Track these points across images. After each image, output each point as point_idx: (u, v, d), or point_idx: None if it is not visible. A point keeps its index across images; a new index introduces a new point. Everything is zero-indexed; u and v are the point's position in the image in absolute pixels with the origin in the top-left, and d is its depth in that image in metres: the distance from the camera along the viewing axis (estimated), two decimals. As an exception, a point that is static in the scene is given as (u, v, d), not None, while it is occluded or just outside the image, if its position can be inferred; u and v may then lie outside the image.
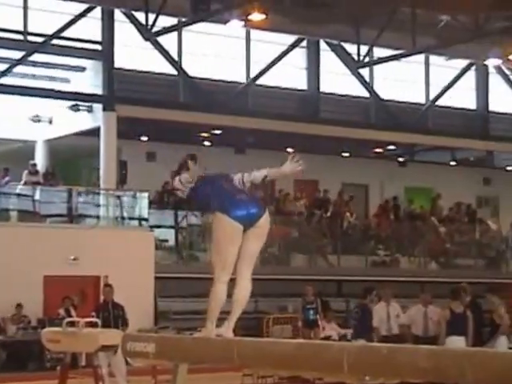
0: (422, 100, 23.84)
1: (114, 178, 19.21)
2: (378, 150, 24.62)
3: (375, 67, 22.57)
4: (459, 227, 24.09)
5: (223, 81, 21.08)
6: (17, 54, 18.51)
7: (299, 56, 22.19)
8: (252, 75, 21.35)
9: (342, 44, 22.03)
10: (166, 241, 19.64)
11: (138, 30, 19.41)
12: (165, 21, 19.33)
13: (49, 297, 16.19)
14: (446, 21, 20.21)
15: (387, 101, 23.04)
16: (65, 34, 18.81)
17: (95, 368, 11.39)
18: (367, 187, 25.19)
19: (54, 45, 18.79)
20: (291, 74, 22.11)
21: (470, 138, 23.74)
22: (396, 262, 22.16)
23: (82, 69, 19.48)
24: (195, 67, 20.71)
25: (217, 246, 5.24)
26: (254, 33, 21.13)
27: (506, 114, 25.19)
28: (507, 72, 24.94)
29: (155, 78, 20.42)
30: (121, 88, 19.48)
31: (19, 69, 18.79)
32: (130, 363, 11.65)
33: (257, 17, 18.61)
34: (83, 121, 19.34)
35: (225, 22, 19.52)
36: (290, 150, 23.45)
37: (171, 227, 19.83)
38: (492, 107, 24.93)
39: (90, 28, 19.13)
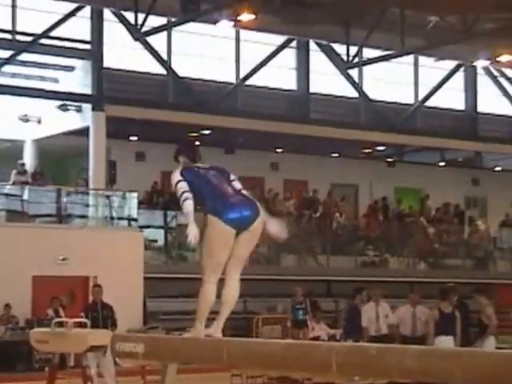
0: (411, 101, 23.91)
1: (103, 177, 19.17)
2: (367, 151, 24.66)
3: (364, 68, 22.61)
4: (448, 227, 24.17)
5: (213, 81, 21.07)
6: (5, 54, 18.45)
7: (289, 56, 22.21)
8: (242, 75, 21.35)
9: (331, 44, 22.07)
10: (156, 241, 19.62)
11: (128, 29, 19.37)
12: (154, 21, 19.30)
13: (37, 297, 16.14)
14: (435, 22, 20.27)
15: (376, 101, 23.10)
16: (54, 33, 18.76)
17: (84, 368, 11.38)
18: (356, 187, 25.24)
19: (42, 44, 18.74)
20: (281, 75, 22.13)
21: (458, 138, 23.83)
22: (385, 263, 22.21)
23: (71, 68, 19.43)
24: (185, 67, 20.70)
25: (208, 250, 5.21)
26: (244, 33, 21.14)
27: (494, 114, 25.29)
28: (495, 73, 25.05)
29: (145, 78, 20.39)
30: (110, 88, 19.45)
31: (8, 68, 18.72)
32: (119, 364, 11.63)
33: (246, 17, 18.61)
34: (72, 121, 19.29)
35: (214, 22, 19.52)
36: (279, 150, 23.54)
37: (160, 227, 19.81)
38: (480, 108, 25.03)
39: (79, 27, 19.08)
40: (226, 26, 19.80)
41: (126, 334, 6.40)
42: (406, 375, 4.12)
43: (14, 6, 18.52)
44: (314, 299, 17.14)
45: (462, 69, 24.39)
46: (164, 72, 20.53)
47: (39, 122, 20.06)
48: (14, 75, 18.90)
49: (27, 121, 20.01)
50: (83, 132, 18.94)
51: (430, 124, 23.85)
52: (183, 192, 5.26)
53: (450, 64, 23.99)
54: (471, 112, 24.89)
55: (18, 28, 18.56)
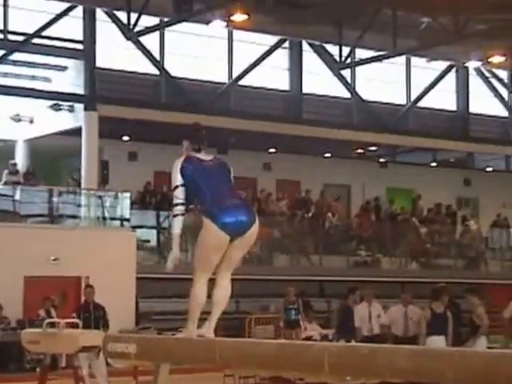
0: (403, 101, 23.95)
1: (96, 178, 19.14)
2: (359, 151, 24.71)
3: (357, 68, 22.64)
4: (440, 228, 24.22)
5: (205, 81, 21.07)
6: (-3, 53, 18.41)
7: (282, 57, 22.22)
8: (234, 76, 21.35)
9: (324, 45, 22.10)
10: (148, 241, 19.59)
11: (120, 29, 19.35)
12: (147, 20, 19.29)
13: (29, 298, 16.09)
14: (427, 23, 20.32)
15: (369, 102, 23.13)
16: (46, 32, 18.72)
17: (75, 369, 11.36)
18: (349, 188, 25.27)
19: (35, 44, 18.69)
20: (273, 75, 22.14)
21: (450, 139, 23.89)
22: (377, 263, 22.24)
23: (64, 68, 19.39)
24: (177, 67, 20.69)
25: (200, 251, 5.19)
26: (237, 33, 21.14)
27: (485, 115, 25.37)
28: (487, 74, 25.12)
29: (137, 78, 20.37)
30: (102, 88, 19.42)
31: (0, 68, 18.67)
32: (111, 364, 11.61)
33: (239, 17, 18.62)
34: (64, 120, 19.26)
35: (207, 23, 19.52)
36: (272, 150, 23.55)
37: (153, 228, 19.79)
38: (472, 109, 25.09)
39: (72, 27, 19.05)
40: (218, 26, 19.81)
41: (118, 335, 6.40)
42: (397, 375, 4.13)
43: (5, 6, 18.47)
44: (307, 299, 17.15)
45: (453, 70, 24.46)
46: (157, 72, 20.51)
47: (31, 121, 20.01)
48: (5, 75, 18.86)
49: (19, 120, 19.96)
50: (75, 132, 18.90)
51: (422, 124, 23.90)
52: (177, 204, 5.21)
53: (442, 65, 24.05)
54: (463, 113, 24.95)
55: (10, 27, 18.51)
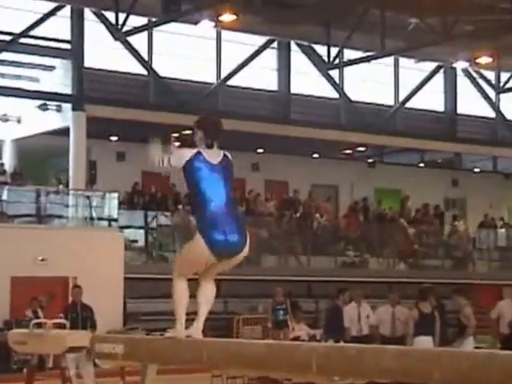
0: (392, 102, 24.01)
1: (84, 178, 19.09)
2: (347, 152, 24.75)
3: (345, 69, 22.68)
4: (427, 228, 24.28)
5: (194, 81, 21.05)
6: (-15, 53, 18.33)
7: (270, 57, 22.24)
8: (223, 76, 21.35)
9: (312, 45, 22.13)
10: (136, 241, 19.56)
11: (108, 29, 19.31)
12: (135, 21, 19.25)
13: (16, 298, 16.02)
14: (415, 24, 20.38)
15: (357, 102, 23.17)
16: (34, 32, 18.65)
17: (63, 370, 11.32)
18: (337, 188, 25.30)
19: (22, 43, 18.62)
20: (262, 75, 22.14)
21: (438, 139, 23.97)
22: (365, 263, 22.28)
23: (51, 68, 19.33)
24: (165, 67, 20.66)
25: (182, 260, 5.11)
26: (225, 33, 21.13)
27: (473, 116, 25.46)
28: (475, 75, 25.21)
29: (125, 78, 20.33)
30: (90, 88, 19.37)
31: (-13, 67, 18.62)
32: (98, 364, 11.58)
33: (227, 17, 18.62)
34: (52, 120, 19.19)
35: (195, 23, 19.51)
36: (260, 150, 23.55)
37: (141, 228, 19.76)
38: (460, 110, 25.18)
39: (60, 27, 18.99)
40: (207, 27, 19.80)
41: (106, 335, 6.38)
42: (385, 375, 4.13)
43: (-7, 5, 18.41)
44: (295, 299, 17.16)
45: (441, 70, 24.54)
46: (145, 72, 20.48)
47: (19, 121, 19.94)
48: (-7, 74, 18.79)
49: (6, 120, 19.89)
50: (63, 132, 18.84)
51: (410, 125, 23.97)
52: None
53: (430, 66, 24.12)
54: (451, 113, 25.03)
55: (-2, 27, 18.45)
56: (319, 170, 24.22)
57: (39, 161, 21.01)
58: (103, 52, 19.95)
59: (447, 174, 26.98)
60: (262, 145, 23.02)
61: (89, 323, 11.60)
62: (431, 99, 24.65)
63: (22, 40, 18.60)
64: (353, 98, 23.10)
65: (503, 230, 25.71)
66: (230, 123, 20.62)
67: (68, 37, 19.09)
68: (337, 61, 21.70)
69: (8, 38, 18.49)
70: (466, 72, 24.94)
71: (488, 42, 20.54)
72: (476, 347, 11.18)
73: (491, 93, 25.45)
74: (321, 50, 22.00)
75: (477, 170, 27.29)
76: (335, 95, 23.00)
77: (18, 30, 18.46)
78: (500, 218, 26.21)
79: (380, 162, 26.27)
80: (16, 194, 18.11)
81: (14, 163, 20.20)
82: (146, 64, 20.39)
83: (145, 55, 20.39)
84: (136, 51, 20.14)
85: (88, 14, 19.33)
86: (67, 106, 18.97)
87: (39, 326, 7.60)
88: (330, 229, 22.77)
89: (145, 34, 20.07)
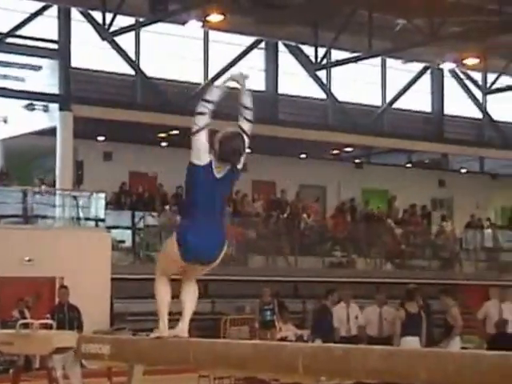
0: (379, 103, 24.06)
1: (71, 178, 19.04)
2: (335, 152, 24.78)
3: (333, 69, 22.72)
4: (414, 228, 24.35)
5: (181, 81, 21.03)
6: (-29, 52, 18.25)
7: (257, 57, 22.24)
8: (210, 76, 21.33)
9: (299, 46, 22.15)
10: (123, 242, 19.51)
11: (96, 29, 19.26)
12: (122, 20, 19.21)
13: (2, 299, 15.92)
14: (402, 25, 20.44)
15: (344, 103, 23.21)
16: (20, 32, 18.58)
17: (49, 370, 11.29)
18: (324, 189, 25.33)
19: (9, 43, 18.54)
20: (249, 75, 22.10)
21: (425, 140, 24.04)
22: (352, 263, 22.31)
23: (38, 68, 19.26)
24: (153, 67, 20.63)
25: (160, 257, 5.16)
26: (213, 34, 21.12)
27: (460, 117, 25.55)
28: (462, 76, 25.30)
29: (112, 78, 20.29)
30: (77, 88, 19.31)
31: (-27, 67, 18.53)
32: (85, 365, 11.55)
33: (215, 18, 18.61)
34: (39, 120, 19.12)
35: (183, 23, 19.48)
36: (247, 150, 23.53)
37: (128, 228, 19.72)
38: (447, 110, 25.27)
39: (47, 26, 18.93)
40: (194, 27, 19.78)
41: (92, 336, 6.36)
42: (372, 376, 4.14)
43: (-21, 4, 18.33)
44: (282, 300, 17.17)
45: (428, 71, 24.61)
46: (132, 72, 20.44)
47: (5, 121, 19.85)
48: (-21, 74, 18.71)
49: (-7, 120, 19.81)
50: (50, 132, 18.78)
51: (398, 126, 24.02)
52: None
53: (417, 66, 24.19)
54: (438, 114, 25.11)
55: (-16, 26, 18.37)
56: (307, 171, 24.24)
57: (26, 161, 20.93)
58: (90, 52, 19.90)
59: (434, 175, 27.07)
60: (249, 145, 23.01)
61: (76, 324, 11.56)
62: (418, 100, 24.73)
63: (9, 40, 18.53)
64: (340, 98, 23.14)
65: (490, 230, 25.80)
66: (217, 124, 20.74)
67: (55, 37, 19.03)
68: (324, 61, 21.73)
69: (-6, 37, 18.42)
70: (453, 73, 25.03)
71: (475, 43, 20.62)
72: (463, 347, 11.22)
73: (478, 94, 25.54)
74: (308, 50, 22.03)
75: (464, 170, 27.39)
76: (323, 96, 23.03)
77: (4, 30, 18.38)
78: (487, 219, 26.32)
79: (367, 162, 26.32)
80: (2, 194, 18.03)
81: (0, 163, 20.11)
82: (134, 64, 20.35)
83: (132, 55, 20.35)
84: (123, 51, 20.09)
85: (75, 13, 19.27)
86: (54, 106, 18.90)
87: (26, 326, 7.57)
88: (318, 229, 22.79)
89: (132, 33, 20.03)
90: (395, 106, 24.16)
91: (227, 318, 18.23)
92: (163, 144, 22.30)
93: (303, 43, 21.87)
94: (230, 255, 19.87)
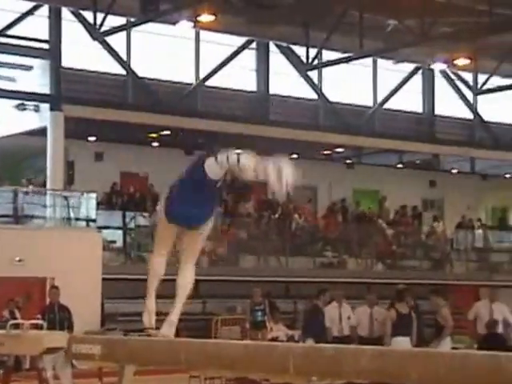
0: (370, 103, 24.09)
1: (62, 178, 18.99)
2: (326, 152, 24.80)
3: (324, 70, 22.74)
4: (405, 229, 24.40)
5: (172, 81, 21.01)
6: (-39, 52, 18.18)
7: (249, 58, 22.24)
8: (201, 76, 21.32)
9: (291, 46, 22.16)
10: (114, 242, 19.49)
11: (86, 29, 19.22)
12: (113, 20, 19.18)
13: (-7, 299, 15.90)
14: (394, 25, 20.48)
15: (335, 103, 23.23)
16: (11, 31, 18.53)
17: (39, 371, 11.24)
18: (315, 189, 25.35)
19: (-1, 43, 18.51)
20: (240, 76, 22.14)
21: (416, 141, 24.08)
22: (343, 264, 22.33)
23: (29, 68, 19.20)
24: (144, 67, 20.60)
25: (155, 235, 5.35)
26: (204, 34, 21.11)
27: (451, 117, 25.62)
28: (453, 76, 25.37)
29: (103, 78, 20.25)
30: (68, 88, 19.27)
31: (-36, 67, 18.46)
32: (76, 366, 11.52)
33: (206, 18, 18.60)
34: (30, 120, 19.07)
35: (174, 23, 19.46)
36: (238, 151, 23.53)
37: (119, 228, 19.69)
38: (438, 111, 25.32)
39: (37, 26, 18.88)
40: (185, 27, 19.76)
41: (83, 336, 6.36)
42: (363, 376, 4.14)
43: (-30, 4, 18.27)
44: (273, 300, 17.18)
45: (419, 72, 24.66)
46: (123, 72, 20.40)
47: (-4, 121, 19.79)
48: (-30, 74, 18.64)
49: (-17, 120, 19.73)
50: (41, 132, 18.74)
51: (389, 126, 24.06)
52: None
53: (408, 67, 24.24)
54: (429, 115, 25.17)
55: (-26, 26, 18.31)
56: (298, 171, 24.21)
57: (17, 161, 20.87)
58: (81, 52, 19.85)
59: (425, 175, 27.13)
60: (241, 145, 22.96)
61: (66, 324, 11.55)
62: (409, 100, 24.77)
63: (0, 39, 18.47)
64: (331, 98, 23.16)
65: (480, 231, 25.87)
66: (209, 124, 20.74)
67: (46, 36, 18.98)
68: (315, 62, 21.74)
69: (-15, 37, 18.36)
70: (444, 73, 25.09)
71: (466, 44, 20.68)
72: (453, 348, 11.25)
73: (469, 94, 25.62)
74: (299, 50, 22.04)
75: (454, 171, 27.46)
76: (314, 96, 23.04)
77: (-5, 29, 18.34)
78: (477, 219, 26.39)
79: (358, 162, 26.36)
80: (-7, 194, 17.97)
81: (-10, 163, 20.06)
82: (125, 64, 20.32)
83: (123, 55, 20.32)
84: (114, 51, 20.06)
85: (66, 13, 19.23)
86: (45, 106, 18.85)
87: (16, 326, 7.55)
88: (309, 229, 22.80)
89: (123, 33, 20.00)
90: (386, 106, 24.20)
91: (218, 318, 18.22)
92: (154, 144, 22.28)
93: (294, 43, 21.89)
94: (221, 255, 19.89)
